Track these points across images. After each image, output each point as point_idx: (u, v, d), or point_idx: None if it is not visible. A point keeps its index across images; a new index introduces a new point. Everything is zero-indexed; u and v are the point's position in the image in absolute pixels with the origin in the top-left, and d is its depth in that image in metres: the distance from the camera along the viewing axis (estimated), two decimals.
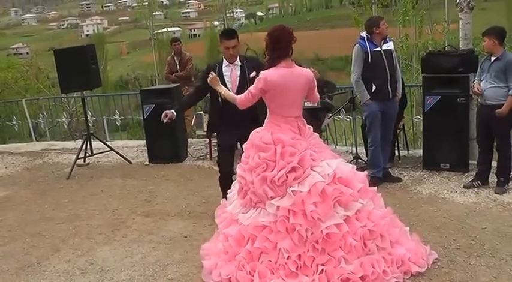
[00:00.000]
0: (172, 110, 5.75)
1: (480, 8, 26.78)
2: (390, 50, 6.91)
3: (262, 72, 4.69)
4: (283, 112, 4.69)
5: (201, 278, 4.74)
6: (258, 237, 4.49)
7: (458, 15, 7.70)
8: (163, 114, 5.70)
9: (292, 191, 4.46)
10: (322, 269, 4.33)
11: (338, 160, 4.73)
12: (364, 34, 6.90)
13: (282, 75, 4.61)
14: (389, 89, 6.86)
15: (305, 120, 4.92)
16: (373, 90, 6.86)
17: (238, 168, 4.84)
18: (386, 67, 6.81)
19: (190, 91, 6.12)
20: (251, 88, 4.74)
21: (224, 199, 5.18)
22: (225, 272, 4.57)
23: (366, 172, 4.99)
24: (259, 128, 4.85)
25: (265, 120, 4.83)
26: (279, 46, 4.63)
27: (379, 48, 6.82)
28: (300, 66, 5.00)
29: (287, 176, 4.48)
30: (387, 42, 6.91)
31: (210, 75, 5.27)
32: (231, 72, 5.76)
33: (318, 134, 5.01)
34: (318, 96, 5.13)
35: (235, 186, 4.99)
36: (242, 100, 4.84)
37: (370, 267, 4.34)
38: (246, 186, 4.69)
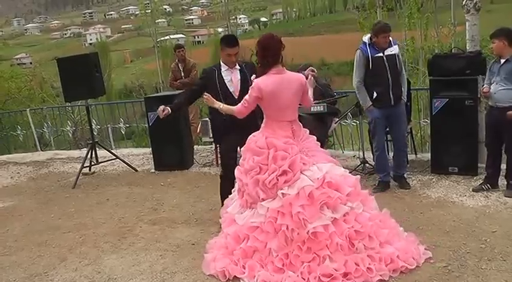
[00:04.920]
0: (168, 107, 5.84)
1: (486, 10, 26.74)
2: (394, 54, 6.72)
3: (254, 80, 4.90)
4: (277, 117, 4.91)
5: None
6: (250, 237, 4.76)
7: (464, 18, 7.63)
8: (161, 108, 5.78)
9: (281, 193, 4.68)
10: (307, 265, 4.52)
11: (330, 164, 4.92)
12: (366, 39, 6.76)
13: (274, 82, 4.81)
14: (391, 95, 6.73)
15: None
16: (374, 98, 6.79)
17: (237, 171, 5.07)
18: (388, 73, 6.69)
19: (186, 92, 6.33)
20: (246, 97, 4.97)
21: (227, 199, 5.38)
22: (220, 264, 4.82)
23: (357, 176, 5.05)
24: (256, 132, 5.06)
25: (261, 124, 5.04)
26: (269, 54, 4.84)
27: (381, 54, 6.69)
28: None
29: (278, 179, 4.72)
30: (391, 46, 6.73)
31: (204, 97, 5.43)
32: (232, 76, 5.84)
33: (314, 137, 5.15)
34: (312, 100, 5.25)
35: (236, 187, 5.19)
36: (240, 109, 5.09)
37: (353, 265, 4.50)
38: (242, 187, 4.97)
